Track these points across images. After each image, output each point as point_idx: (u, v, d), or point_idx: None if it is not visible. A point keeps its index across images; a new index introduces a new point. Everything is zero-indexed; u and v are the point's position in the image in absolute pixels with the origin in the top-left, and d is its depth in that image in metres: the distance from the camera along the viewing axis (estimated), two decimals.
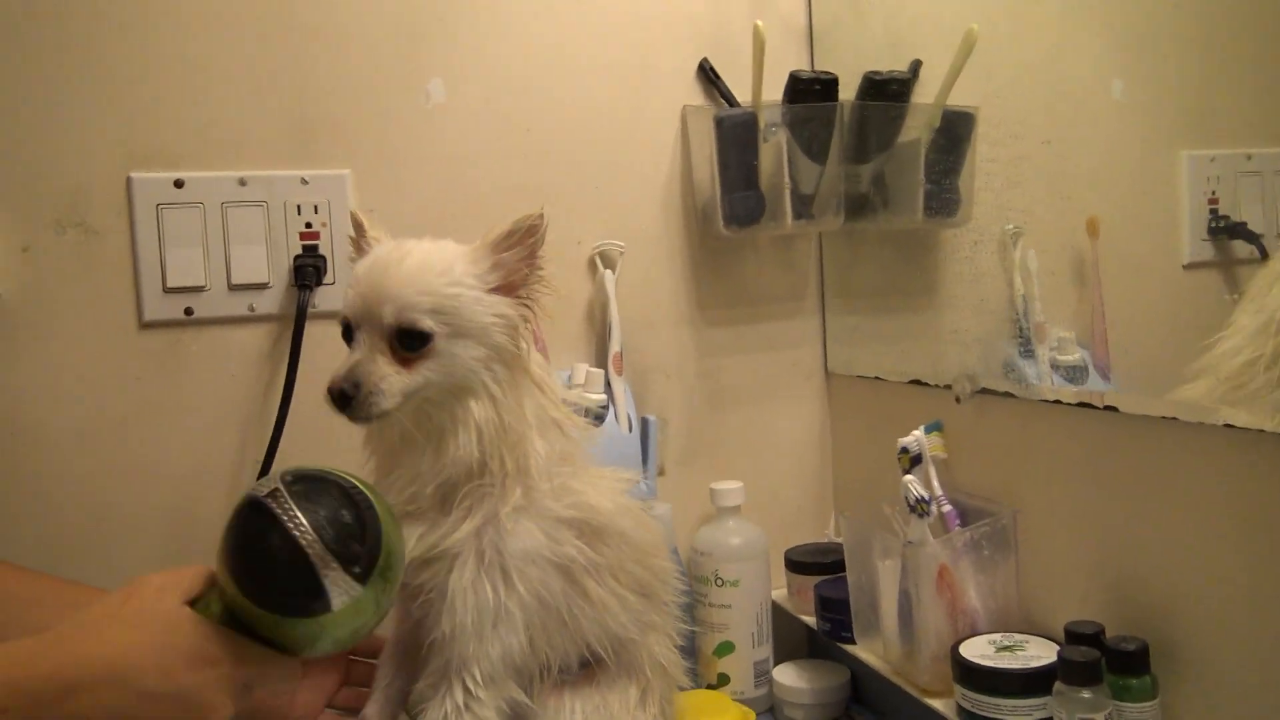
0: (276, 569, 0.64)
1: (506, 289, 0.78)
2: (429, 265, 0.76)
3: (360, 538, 0.66)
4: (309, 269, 1.04)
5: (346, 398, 0.74)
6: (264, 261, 1.04)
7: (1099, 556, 0.87)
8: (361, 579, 0.65)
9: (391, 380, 0.74)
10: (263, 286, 1.04)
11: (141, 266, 1.01)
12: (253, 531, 0.65)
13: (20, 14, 0.97)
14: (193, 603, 0.66)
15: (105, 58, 0.99)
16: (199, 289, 1.03)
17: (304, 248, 1.05)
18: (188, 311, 1.03)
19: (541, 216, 0.77)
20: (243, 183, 1.03)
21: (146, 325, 1.02)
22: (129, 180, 1.00)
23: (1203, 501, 0.77)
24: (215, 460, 1.04)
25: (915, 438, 0.94)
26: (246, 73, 1.03)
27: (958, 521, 0.96)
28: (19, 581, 0.81)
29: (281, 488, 0.66)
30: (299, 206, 1.05)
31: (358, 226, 0.83)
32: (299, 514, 0.64)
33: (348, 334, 0.77)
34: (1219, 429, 0.74)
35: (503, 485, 0.76)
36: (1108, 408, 0.84)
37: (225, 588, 0.66)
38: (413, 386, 0.75)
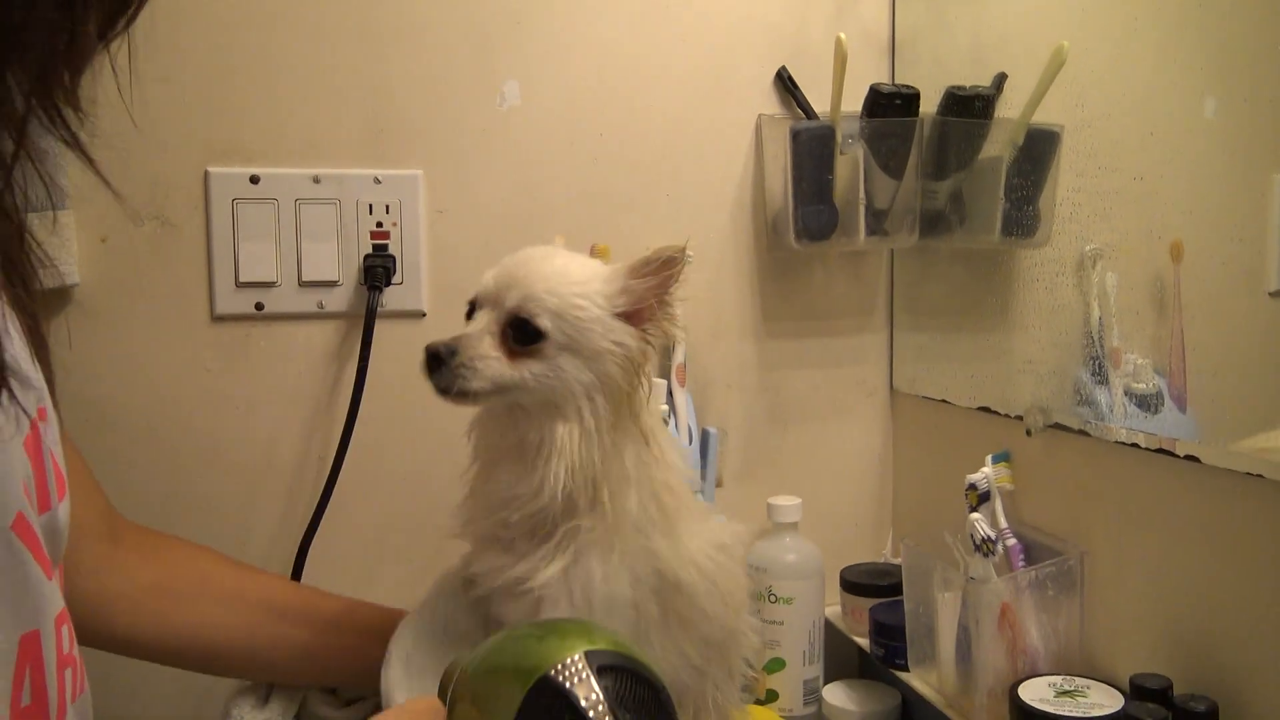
0: None
1: (633, 318, 0.74)
2: (567, 271, 0.74)
3: None
4: (379, 269, 1.04)
5: (439, 360, 0.71)
6: (334, 259, 1.05)
7: (1170, 608, 0.85)
8: None
9: (490, 362, 0.71)
10: (332, 284, 1.05)
11: (215, 260, 1.02)
12: None
13: None
14: None
15: (187, 56, 1.00)
16: (270, 284, 1.04)
17: (374, 247, 1.05)
18: (258, 306, 1.04)
19: (683, 250, 0.72)
20: (317, 180, 1.04)
21: (218, 318, 1.03)
22: (206, 174, 1.01)
23: None
24: (279, 454, 1.05)
25: (984, 474, 0.92)
26: (323, 72, 1.04)
27: (1022, 557, 0.94)
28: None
29: (596, 689, 0.51)
30: (370, 205, 1.05)
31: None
32: None
33: (470, 314, 0.75)
34: None
35: (600, 528, 0.72)
36: (1188, 457, 0.81)
37: None
38: (507, 379, 0.71)
